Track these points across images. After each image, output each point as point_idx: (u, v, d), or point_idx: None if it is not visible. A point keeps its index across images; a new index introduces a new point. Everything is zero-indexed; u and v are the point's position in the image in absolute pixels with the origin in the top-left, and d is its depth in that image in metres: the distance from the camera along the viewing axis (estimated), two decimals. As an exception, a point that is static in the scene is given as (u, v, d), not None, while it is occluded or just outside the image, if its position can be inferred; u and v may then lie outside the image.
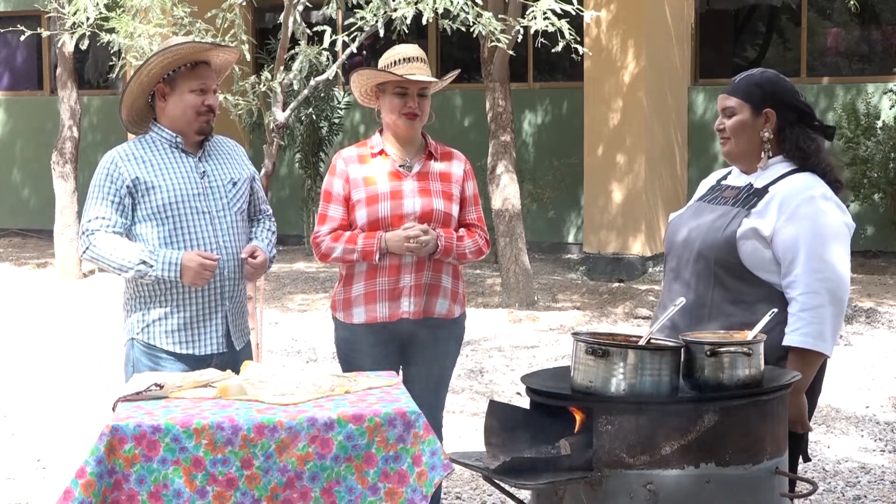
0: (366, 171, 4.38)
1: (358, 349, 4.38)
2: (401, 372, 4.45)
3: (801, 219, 3.53)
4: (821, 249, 3.50)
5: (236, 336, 4.25)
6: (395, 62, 4.34)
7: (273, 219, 4.48)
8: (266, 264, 4.28)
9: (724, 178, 3.83)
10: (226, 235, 4.19)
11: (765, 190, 3.62)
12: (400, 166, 4.39)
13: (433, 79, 4.37)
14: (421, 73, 4.35)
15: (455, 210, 4.42)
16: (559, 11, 7.32)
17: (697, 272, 3.64)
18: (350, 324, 4.40)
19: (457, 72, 4.59)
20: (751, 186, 3.66)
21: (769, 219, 3.55)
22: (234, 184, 4.26)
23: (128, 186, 4.11)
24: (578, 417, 3.33)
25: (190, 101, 4.14)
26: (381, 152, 4.40)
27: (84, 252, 4.15)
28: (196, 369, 3.91)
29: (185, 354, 4.15)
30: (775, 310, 3.47)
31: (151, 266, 4.04)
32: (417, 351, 4.41)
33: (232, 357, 4.17)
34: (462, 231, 4.42)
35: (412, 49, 4.39)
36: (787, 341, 3.51)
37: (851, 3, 10.72)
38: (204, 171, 4.20)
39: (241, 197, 4.27)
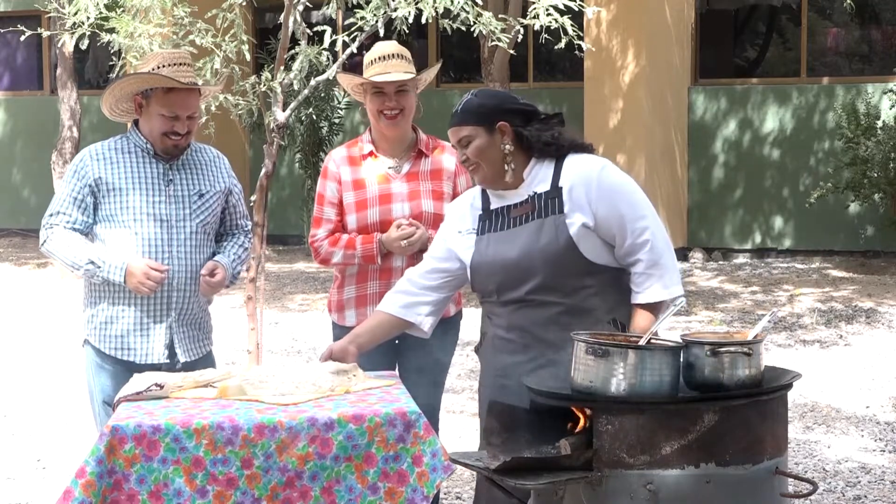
0: (356, 173, 4.38)
1: None
2: (397, 371, 4.45)
3: (603, 195, 3.61)
4: (633, 211, 3.62)
5: (183, 349, 4.18)
6: (372, 61, 4.33)
7: (250, 235, 4.45)
8: (224, 283, 4.24)
9: (486, 205, 3.77)
10: (182, 246, 4.15)
11: (556, 189, 3.65)
12: (389, 168, 4.39)
13: (398, 78, 4.30)
14: (396, 70, 4.31)
15: (445, 209, 4.41)
16: (562, 7, 7.32)
17: (549, 288, 3.63)
18: (344, 326, 4.41)
19: (435, 67, 4.54)
20: (536, 195, 3.67)
21: (583, 209, 3.61)
22: (201, 195, 4.21)
23: (90, 185, 4.11)
24: (579, 417, 3.34)
25: (157, 123, 4.11)
26: (371, 153, 4.40)
27: (42, 244, 4.17)
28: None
29: (124, 361, 4.12)
30: (776, 310, 3.48)
31: (99, 267, 4.04)
32: (412, 351, 4.41)
33: (182, 370, 4.06)
34: None
35: (389, 46, 4.36)
36: (641, 299, 3.63)
37: (847, 2, 10.72)
38: (171, 180, 4.17)
39: (206, 209, 4.23)
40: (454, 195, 4.44)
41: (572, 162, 3.68)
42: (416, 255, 4.31)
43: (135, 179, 4.13)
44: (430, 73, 4.50)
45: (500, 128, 3.67)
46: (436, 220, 4.36)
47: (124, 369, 4.07)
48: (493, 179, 3.71)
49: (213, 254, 4.28)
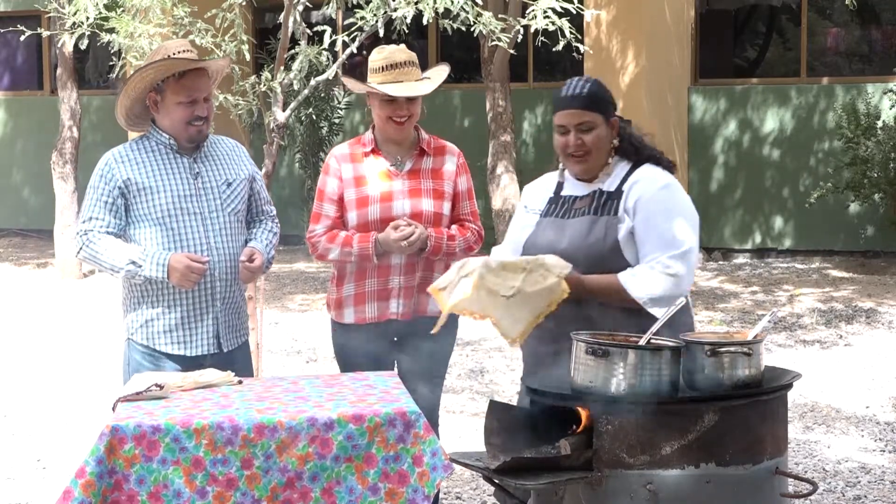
0: (358, 170, 4.39)
1: (352, 347, 4.41)
2: (395, 370, 4.46)
3: (649, 215, 3.61)
4: (672, 231, 3.60)
5: (226, 338, 4.24)
6: (382, 67, 4.32)
7: (276, 220, 4.48)
8: (262, 268, 4.29)
9: (558, 189, 3.81)
10: (218, 237, 4.19)
11: (618, 192, 3.67)
12: (391, 166, 4.39)
13: (415, 93, 4.32)
14: (409, 78, 4.32)
15: (446, 208, 4.41)
16: (560, 10, 7.31)
17: None
18: (342, 323, 4.42)
19: (446, 71, 4.53)
20: (601, 192, 3.70)
21: (631, 216, 3.62)
22: (229, 185, 4.26)
23: (119, 187, 4.14)
24: (578, 417, 3.34)
25: (178, 113, 4.14)
26: (374, 151, 4.41)
27: (78, 252, 4.20)
28: (190, 370, 3.92)
29: (177, 355, 4.16)
30: (776, 310, 3.48)
31: (140, 266, 4.07)
32: (410, 349, 4.41)
33: (224, 359, 4.16)
34: (454, 229, 4.42)
35: (400, 52, 4.36)
36: (621, 275, 3.58)
37: (849, 1, 10.72)
38: (198, 173, 4.21)
39: (236, 198, 4.27)
40: (454, 195, 4.45)
41: (643, 172, 3.70)
42: (416, 254, 4.32)
43: (163, 176, 4.17)
44: (441, 80, 4.49)
45: (613, 122, 3.71)
46: (435, 219, 4.36)
47: (174, 363, 4.13)
48: (592, 170, 3.73)
49: (246, 241, 4.32)
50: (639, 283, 3.56)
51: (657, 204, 3.61)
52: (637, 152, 3.73)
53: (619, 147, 3.73)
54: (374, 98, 4.37)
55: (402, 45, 4.45)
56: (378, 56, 4.36)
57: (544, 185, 3.87)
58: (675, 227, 3.61)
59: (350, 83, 4.48)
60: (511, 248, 3.86)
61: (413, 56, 4.39)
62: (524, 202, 3.90)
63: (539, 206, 3.82)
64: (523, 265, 3.48)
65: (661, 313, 3.56)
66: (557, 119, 3.70)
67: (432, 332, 3.66)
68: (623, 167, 3.72)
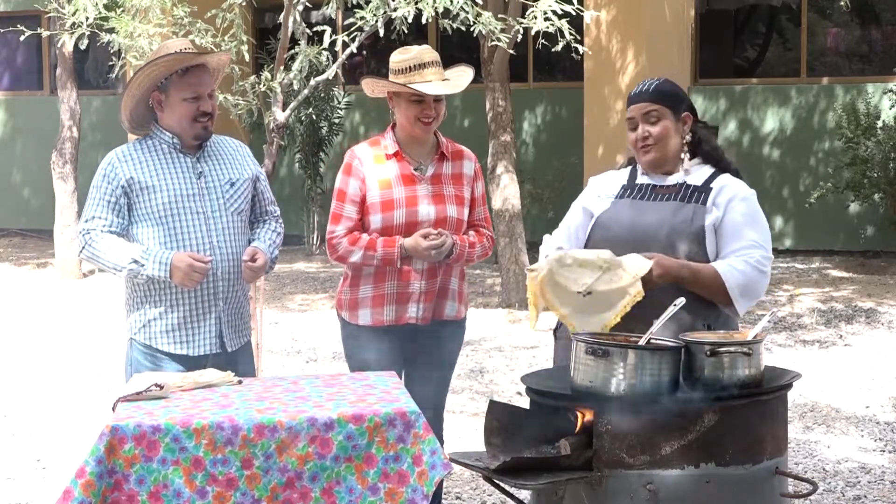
0: (381, 173, 4.34)
1: (363, 347, 4.38)
2: (403, 371, 4.44)
3: (750, 209, 3.71)
4: (762, 234, 3.71)
5: (229, 338, 4.23)
6: (409, 67, 4.28)
7: (280, 220, 4.47)
8: (265, 267, 4.28)
9: (633, 178, 3.88)
10: (221, 236, 4.19)
11: (706, 187, 3.75)
12: (415, 170, 4.37)
13: (451, 91, 4.34)
14: (437, 77, 4.31)
15: (466, 214, 4.41)
16: (559, 11, 7.32)
17: None
18: (356, 324, 4.40)
19: (469, 72, 4.54)
20: (686, 184, 3.78)
21: (719, 209, 3.70)
22: (232, 184, 4.26)
23: (122, 186, 4.14)
24: (578, 417, 3.34)
25: (183, 109, 4.14)
26: (396, 154, 4.39)
27: (81, 251, 4.19)
28: (192, 370, 3.92)
29: (180, 354, 4.16)
30: (776, 310, 3.49)
31: (143, 265, 4.07)
32: (423, 351, 4.41)
33: (227, 359, 4.17)
34: (472, 235, 4.42)
35: (427, 52, 4.33)
36: (715, 263, 3.64)
37: (843, 1, 10.73)
38: (201, 172, 4.21)
39: (238, 197, 4.27)
40: (471, 199, 4.44)
41: (728, 178, 3.79)
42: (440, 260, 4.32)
43: (166, 175, 4.17)
44: (468, 80, 4.50)
45: (684, 118, 3.82)
46: (458, 225, 4.36)
47: (176, 363, 4.13)
48: (660, 164, 3.80)
49: (249, 241, 4.31)
50: (736, 274, 3.61)
51: (750, 206, 3.73)
52: (719, 161, 3.85)
53: (702, 150, 3.83)
54: (401, 98, 4.33)
55: (427, 46, 4.44)
56: (405, 56, 4.32)
57: (615, 176, 3.95)
58: (763, 232, 3.72)
59: (377, 83, 4.40)
60: (565, 234, 3.91)
61: (438, 56, 4.37)
62: (595, 191, 3.93)
63: (612, 191, 3.88)
64: (600, 263, 3.51)
65: (742, 308, 3.65)
66: (628, 114, 3.83)
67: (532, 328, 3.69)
68: (706, 169, 3.82)
